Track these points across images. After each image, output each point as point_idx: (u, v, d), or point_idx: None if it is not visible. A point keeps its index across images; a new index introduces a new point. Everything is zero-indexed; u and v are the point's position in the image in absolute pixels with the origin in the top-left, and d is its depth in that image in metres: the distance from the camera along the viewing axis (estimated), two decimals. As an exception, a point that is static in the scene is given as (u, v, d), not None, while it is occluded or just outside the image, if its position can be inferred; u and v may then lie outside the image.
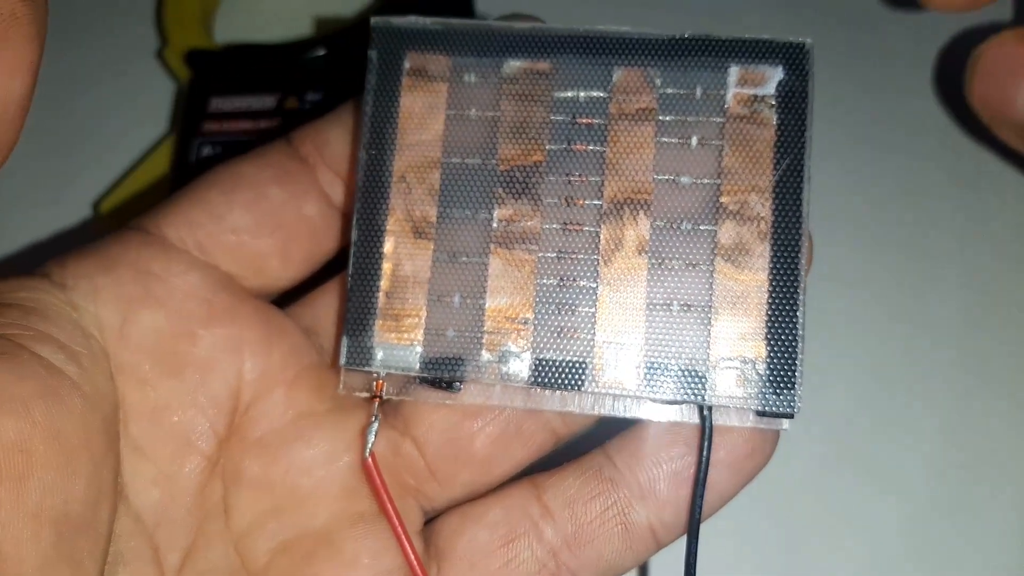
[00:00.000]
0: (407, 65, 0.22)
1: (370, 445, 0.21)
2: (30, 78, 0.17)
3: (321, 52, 0.36)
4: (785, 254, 0.21)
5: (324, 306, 0.25)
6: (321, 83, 0.35)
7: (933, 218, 0.35)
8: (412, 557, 0.22)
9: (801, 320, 0.21)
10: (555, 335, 0.21)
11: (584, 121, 0.22)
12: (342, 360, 0.22)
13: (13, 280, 0.22)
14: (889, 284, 0.34)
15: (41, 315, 0.21)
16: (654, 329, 0.21)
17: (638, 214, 0.21)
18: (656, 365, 0.21)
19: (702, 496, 0.21)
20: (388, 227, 0.22)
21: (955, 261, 0.34)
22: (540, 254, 0.22)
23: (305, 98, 0.35)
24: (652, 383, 0.21)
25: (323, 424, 0.23)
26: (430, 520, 0.24)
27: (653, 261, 0.21)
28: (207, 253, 0.23)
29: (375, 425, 0.21)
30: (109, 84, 0.39)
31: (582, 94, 0.22)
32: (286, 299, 0.25)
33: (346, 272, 0.22)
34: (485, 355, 0.21)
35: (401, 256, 0.22)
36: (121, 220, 0.34)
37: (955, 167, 0.35)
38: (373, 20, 0.23)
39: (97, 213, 0.35)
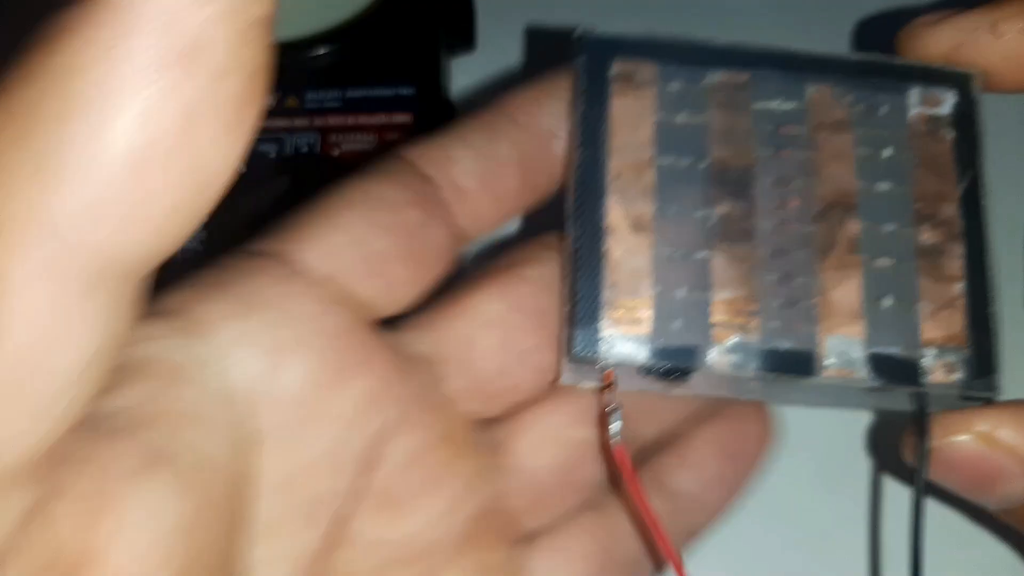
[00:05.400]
0: (614, 71, 0.23)
1: (616, 428, 0.21)
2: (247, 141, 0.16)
3: (321, 51, 0.36)
4: (976, 252, 0.23)
5: (447, 331, 0.23)
6: (321, 82, 0.35)
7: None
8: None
9: (997, 311, 0.23)
10: (780, 327, 0.22)
11: (786, 130, 0.23)
12: (575, 350, 0.22)
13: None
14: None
15: (167, 381, 0.17)
16: (871, 322, 0.22)
17: (846, 216, 0.23)
18: (875, 355, 0.22)
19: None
20: (607, 223, 0.22)
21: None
22: (759, 251, 0.23)
23: (305, 97, 0.35)
24: (873, 371, 0.22)
25: (447, 475, 0.22)
26: None
27: (864, 258, 0.23)
28: (345, 283, 0.21)
29: (619, 412, 0.21)
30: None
31: (780, 106, 0.24)
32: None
33: (566, 266, 0.22)
34: (713, 346, 0.22)
35: (623, 250, 0.22)
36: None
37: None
38: (579, 30, 0.23)
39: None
